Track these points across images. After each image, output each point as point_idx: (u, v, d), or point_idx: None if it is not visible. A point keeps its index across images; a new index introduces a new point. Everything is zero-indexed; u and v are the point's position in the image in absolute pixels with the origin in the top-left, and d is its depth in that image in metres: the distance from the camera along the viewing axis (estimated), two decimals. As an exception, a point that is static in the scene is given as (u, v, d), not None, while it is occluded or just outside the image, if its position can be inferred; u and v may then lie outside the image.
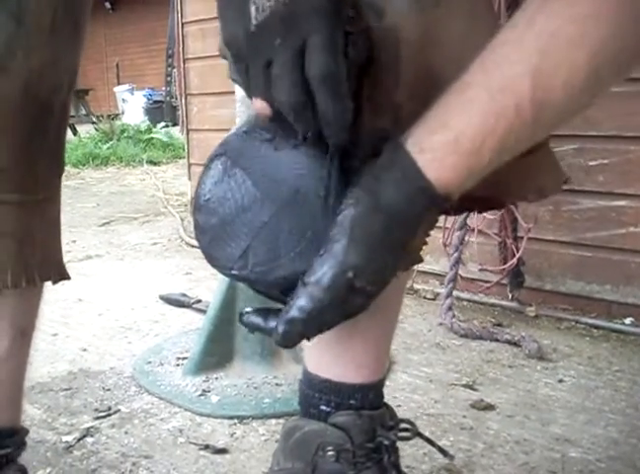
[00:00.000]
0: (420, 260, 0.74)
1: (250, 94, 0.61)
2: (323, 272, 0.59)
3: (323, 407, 0.79)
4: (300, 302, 0.60)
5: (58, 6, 0.79)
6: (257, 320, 0.66)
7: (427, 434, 1.26)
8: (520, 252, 1.86)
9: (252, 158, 0.64)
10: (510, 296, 1.98)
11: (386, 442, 0.78)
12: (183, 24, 3.21)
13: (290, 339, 0.62)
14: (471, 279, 2.09)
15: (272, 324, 0.63)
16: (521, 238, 1.88)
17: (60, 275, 0.93)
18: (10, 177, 0.83)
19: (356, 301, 0.61)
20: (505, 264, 1.94)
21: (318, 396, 0.80)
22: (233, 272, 0.64)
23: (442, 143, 0.59)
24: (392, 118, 0.66)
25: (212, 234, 0.64)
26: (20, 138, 0.82)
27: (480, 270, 2.05)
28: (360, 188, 0.61)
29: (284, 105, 0.58)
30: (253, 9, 0.57)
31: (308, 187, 0.62)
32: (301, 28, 0.57)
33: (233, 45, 0.60)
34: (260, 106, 0.60)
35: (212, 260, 0.65)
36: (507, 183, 0.70)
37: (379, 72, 0.65)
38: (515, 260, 1.88)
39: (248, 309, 0.67)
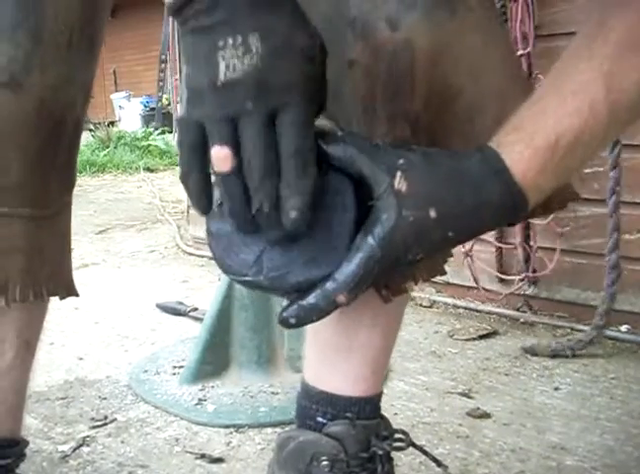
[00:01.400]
0: (443, 271, 0.77)
1: (211, 142, 0.58)
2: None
3: (319, 418, 0.79)
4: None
5: (75, 24, 0.80)
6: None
7: (423, 442, 1.28)
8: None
9: None
10: (524, 305, 1.98)
11: (380, 452, 0.78)
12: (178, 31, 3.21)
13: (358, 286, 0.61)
14: (467, 287, 2.09)
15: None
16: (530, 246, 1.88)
17: (68, 291, 0.93)
18: (21, 192, 0.83)
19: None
20: (526, 271, 1.94)
21: (315, 407, 0.80)
22: (247, 278, 0.63)
23: (518, 139, 0.61)
24: (410, 127, 0.67)
25: (226, 241, 0.64)
26: (32, 154, 0.82)
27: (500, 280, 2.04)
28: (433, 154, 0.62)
29: (254, 166, 0.57)
30: (222, 65, 0.55)
31: (323, 196, 0.62)
32: (276, 98, 0.56)
33: (196, 91, 0.58)
34: (224, 155, 0.57)
35: (226, 267, 0.64)
36: None
37: (394, 82, 0.66)
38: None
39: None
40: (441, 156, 0.63)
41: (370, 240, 0.60)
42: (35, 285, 0.87)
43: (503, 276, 2.01)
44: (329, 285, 0.61)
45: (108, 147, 7.25)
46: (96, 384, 1.63)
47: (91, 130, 7.99)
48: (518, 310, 1.97)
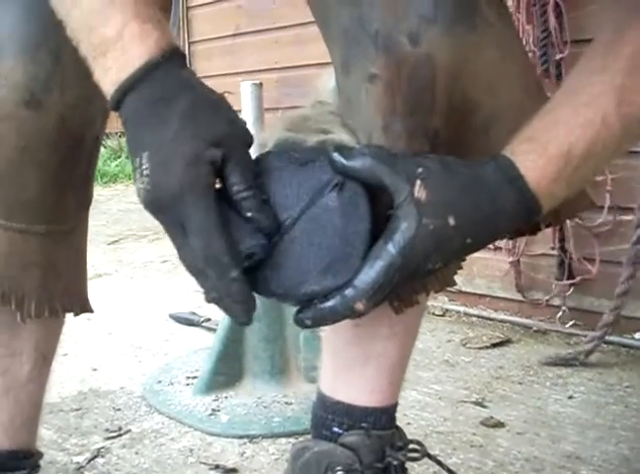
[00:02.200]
0: (453, 282, 0.77)
1: None
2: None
3: (335, 428, 0.80)
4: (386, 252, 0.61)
5: None
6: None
7: (436, 451, 1.27)
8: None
9: (280, 175, 0.65)
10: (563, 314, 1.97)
11: (395, 463, 0.78)
12: (189, 43, 3.23)
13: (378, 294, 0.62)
14: (479, 295, 2.08)
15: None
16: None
17: (83, 307, 0.94)
18: (38, 208, 0.84)
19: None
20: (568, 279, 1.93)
21: (331, 417, 0.80)
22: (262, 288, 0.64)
23: (531, 148, 0.62)
24: (429, 142, 0.68)
25: None
26: (50, 171, 0.83)
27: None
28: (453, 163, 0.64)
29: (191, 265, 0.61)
30: (140, 186, 0.59)
31: (335, 206, 0.63)
32: (174, 212, 0.59)
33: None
34: None
35: None
36: None
37: (414, 97, 0.66)
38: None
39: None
40: (458, 164, 0.64)
41: (391, 248, 0.60)
42: (50, 301, 0.87)
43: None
44: (348, 292, 0.61)
45: (119, 157, 7.27)
46: (110, 395, 1.64)
47: (102, 140, 8.03)
48: (530, 318, 1.97)
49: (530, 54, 1.81)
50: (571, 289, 1.92)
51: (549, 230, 1.89)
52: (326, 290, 0.62)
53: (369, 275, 0.61)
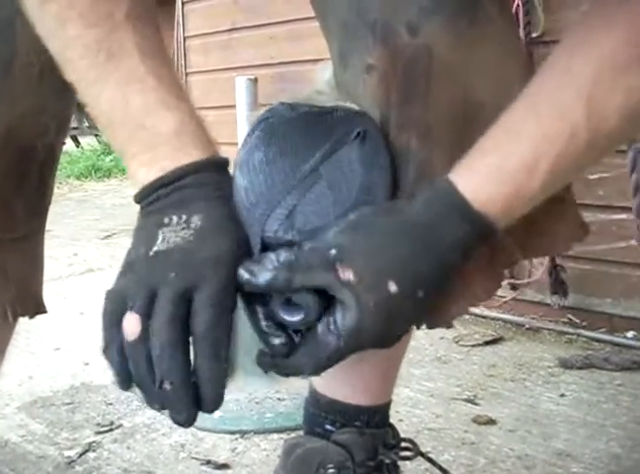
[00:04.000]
0: (450, 325, 0.69)
1: (127, 310, 0.57)
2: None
3: (328, 426, 0.80)
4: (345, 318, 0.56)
5: (47, 56, 0.73)
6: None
7: (428, 449, 1.28)
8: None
9: (297, 124, 0.64)
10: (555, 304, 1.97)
11: (387, 461, 0.78)
12: (185, 38, 3.22)
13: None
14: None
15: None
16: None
17: (36, 310, 0.92)
18: None
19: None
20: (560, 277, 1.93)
21: (324, 415, 0.80)
22: (279, 234, 0.60)
23: (485, 165, 0.58)
24: (418, 134, 0.65)
25: (259, 197, 0.62)
26: None
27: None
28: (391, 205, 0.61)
29: (157, 337, 0.54)
30: (160, 238, 0.57)
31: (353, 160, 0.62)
32: (196, 272, 0.56)
33: (128, 263, 0.59)
34: (133, 321, 0.56)
35: (256, 224, 0.61)
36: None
37: (408, 88, 0.65)
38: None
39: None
40: (380, 216, 0.59)
41: (333, 338, 0.57)
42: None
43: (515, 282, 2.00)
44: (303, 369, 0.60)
45: (113, 152, 7.26)
46: (102, 389, 1.63)
47: (96, 135, 8.01)
48: (521, 316, 1.97)
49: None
50: (563, 288, 1.93)
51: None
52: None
53: (310, 364, 0.58)
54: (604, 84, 0.56)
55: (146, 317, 0.55)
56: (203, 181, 0.60)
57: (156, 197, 0.60)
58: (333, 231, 0.58)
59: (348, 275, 0.55)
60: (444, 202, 0.58)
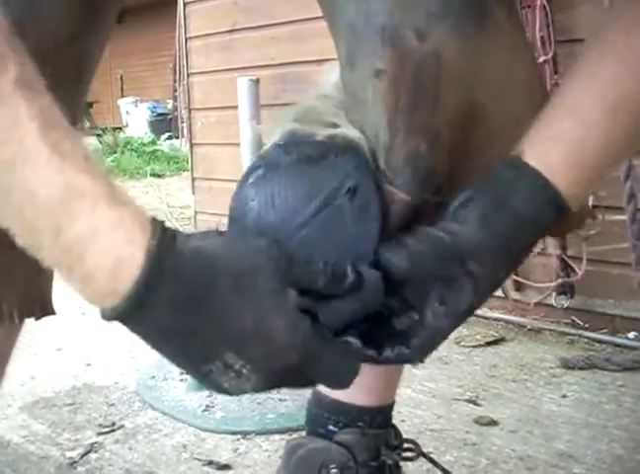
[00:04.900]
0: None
1: None
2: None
3: (331, 427, 0.80)
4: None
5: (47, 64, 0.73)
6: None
7: (430, 449, 1.27)
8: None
9: (289, 173, 0.64)
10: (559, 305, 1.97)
11: (390, 462, 0.78)
12: (187, 39, 3.23)
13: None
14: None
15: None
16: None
17: (44, 310, 0.92)
18: None
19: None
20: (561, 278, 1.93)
21: (327, 416, 0.80)
22: None
23: (572, 164, 0.61)
24: (427, 143, 0.66)
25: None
26: None
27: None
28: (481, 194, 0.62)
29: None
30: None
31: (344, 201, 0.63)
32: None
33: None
34: None
35: None
36: None
37: (417, 93, 0.65)
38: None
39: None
40: (496, 214, 0.62)
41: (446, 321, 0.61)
42: (3, 308, 0.86)
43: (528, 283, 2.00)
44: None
45: (115, 153, 7.27)
46: (103, 390, 1.63)
47: (98, 136, 8.02)
48: (523, 317, 1.97)
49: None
50: (565, 289, 1.93)
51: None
52: None
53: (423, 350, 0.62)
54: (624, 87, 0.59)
55: None
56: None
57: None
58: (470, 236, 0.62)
59: (474, 267, 0.61)
60: (546, 199, 0.61)
